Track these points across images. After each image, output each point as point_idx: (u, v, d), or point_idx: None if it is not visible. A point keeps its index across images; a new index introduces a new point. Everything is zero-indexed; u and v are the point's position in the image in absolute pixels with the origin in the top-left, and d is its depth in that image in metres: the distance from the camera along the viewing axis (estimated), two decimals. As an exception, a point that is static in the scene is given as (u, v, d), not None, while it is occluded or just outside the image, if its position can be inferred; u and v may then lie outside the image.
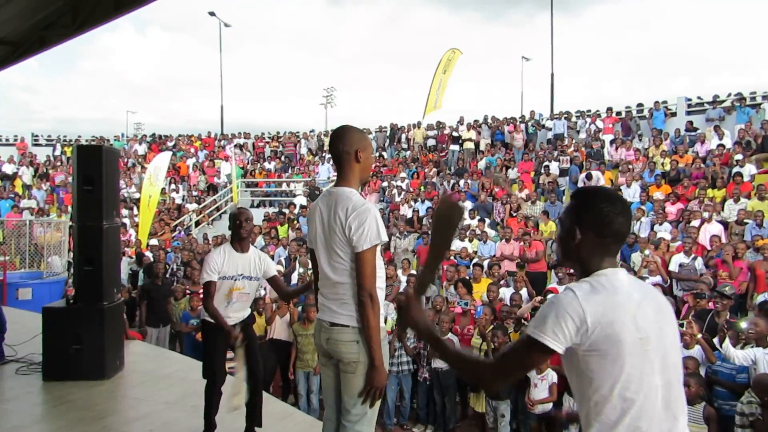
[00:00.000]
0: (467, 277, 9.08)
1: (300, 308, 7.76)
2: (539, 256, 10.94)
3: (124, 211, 17.48)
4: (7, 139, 25.34)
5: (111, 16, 6.05)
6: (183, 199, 18.76)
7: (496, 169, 16.40)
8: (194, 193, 18.97)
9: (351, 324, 2.72)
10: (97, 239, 5.49)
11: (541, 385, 5.80)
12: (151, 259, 10.58)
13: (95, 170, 5.48)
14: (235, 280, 4.18)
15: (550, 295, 6.60)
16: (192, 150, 22.38)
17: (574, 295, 1.64)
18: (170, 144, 23.46)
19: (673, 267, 8.85)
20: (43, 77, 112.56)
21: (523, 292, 7.82)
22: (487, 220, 13.99)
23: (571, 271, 7.34)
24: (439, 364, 6.76)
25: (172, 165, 20.49)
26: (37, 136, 25.81)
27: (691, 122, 15.78)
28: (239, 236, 4.21)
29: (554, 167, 15.20)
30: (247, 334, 4.33)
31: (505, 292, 8.27)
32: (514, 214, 13.63)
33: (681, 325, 5.31)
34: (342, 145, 2.80)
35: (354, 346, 2.70)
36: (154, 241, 13.15)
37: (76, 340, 5.43)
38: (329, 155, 20.40)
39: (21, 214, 17.26)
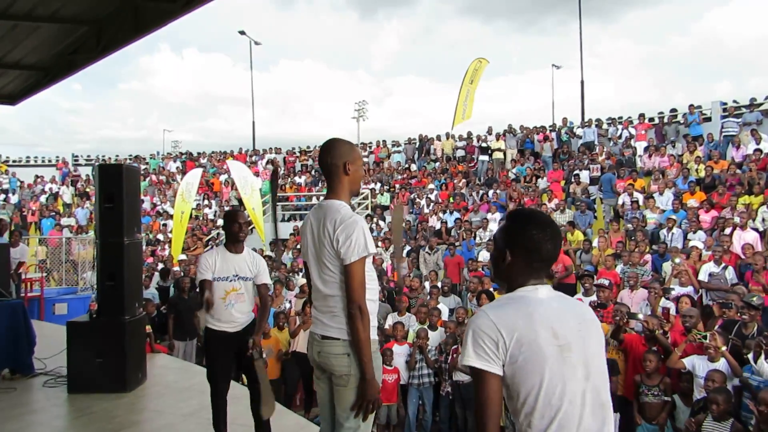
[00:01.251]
0: (491, 289, 9.00)
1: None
2: (570, 270, 10.73)
3: (160, 227, 17.96)
4: (49, 160, 26.30)
5: (131, 39, 6.24)
6: (215, 215, 19.11)
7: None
8: (226, 208, 19.29)
9: (342, 337, 2.72)
10: (118, 255, 5.64)
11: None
12: (182, 274, 10.79)
13: (116, 188, 5.64)
14: (231, 281, 4.23)
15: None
16: (225, 166, 22.79)
17: (484, 314, 1.71)
18: (203, 161, 23.96)
19: (703, 276, 8.58)
20: (87, 100, 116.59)
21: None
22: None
23: (601, 281, 7.23)
24: (460, 377, 6.69)
25: (205, 181, 20.92)
26: (77, 156, 26.73)
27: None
28: (236, 239, 4.25)
29: (584, 176, 14.96)
30: (246, 346, 4.30)
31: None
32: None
33: (704, 337, 5.15)
34: (330, 158, 2.82)
35: (345, 359, 2.70)
36: (183, 256, 13.41)
37: (98, 353, 5.57)
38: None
39: (62, 232, 17.87)
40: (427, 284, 10.55)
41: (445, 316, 8.20)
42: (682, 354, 5.33)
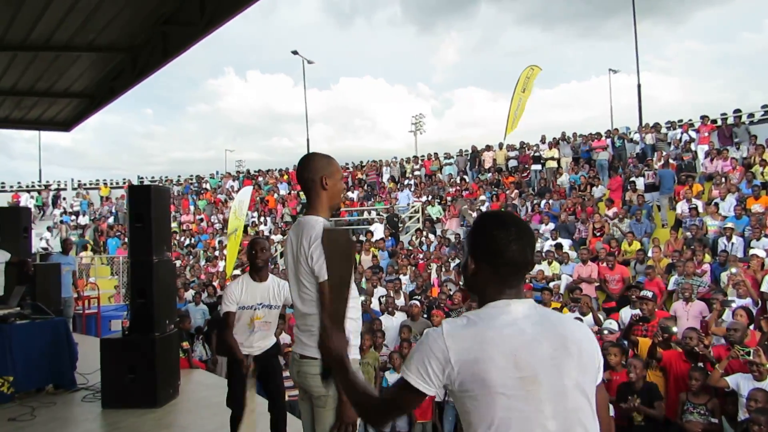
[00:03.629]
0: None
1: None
2: (627, 282, 10.26)
3: (216, 244, 18.46)
4: (117, 183, 27.64)
5: (162, 63, 6.47)
6: (270, 232, 19.48)
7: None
8: (280, 225, 19.64)
9: (319, 356, 2.65)
10: (147, 273, 5.79)
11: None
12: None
13: (144, 208, 5.80)
14: (255, 309, 4.24)
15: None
16: (278, 184, 23.29)
17: (440, 332, 1.52)
18: (260, 179, 24.54)
19: (766, 288, 8.00)
20: (159, 123, 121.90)
21: (588, 318, 7.33)
22: (570, 241, 13.44)
23: (644, 293, 6.86)
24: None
25: (260, 199, 21.40)
26: (142, 178, 27.97)
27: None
28: (256, 266, 4.28)
29: (640, 183, 14.34)
30: (271, 365, 4.37)
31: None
32: (598, 234, 12.98)
33: (748, 353, 4.76)
34: (307, 173, 2.77)
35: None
36: (237, 272, 13.71)
37: (130, 369, 5.72)
38: (409, 181, 20.65)
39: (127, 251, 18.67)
40: (473, 298, 10.35)
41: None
42: (725, 371, 4.95)
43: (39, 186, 28.37)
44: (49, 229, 22.84)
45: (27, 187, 28.42)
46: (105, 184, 27.89)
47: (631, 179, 14.64)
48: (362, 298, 9.76)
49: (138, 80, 7.08)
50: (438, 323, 7.95)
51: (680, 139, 15.81)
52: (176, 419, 5.57)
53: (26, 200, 25.28)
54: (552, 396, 1.45)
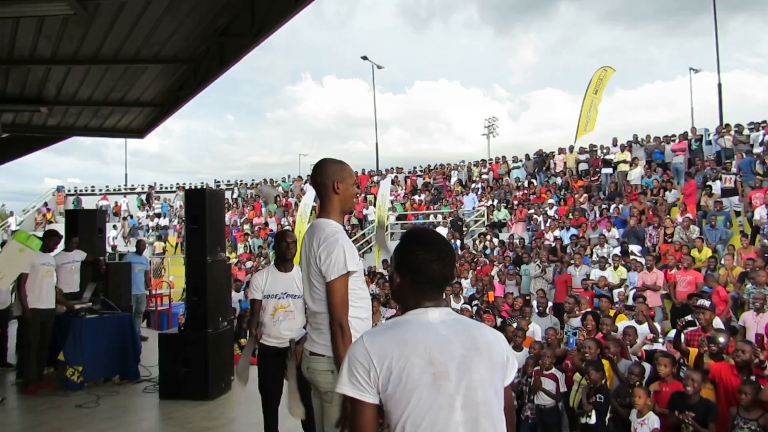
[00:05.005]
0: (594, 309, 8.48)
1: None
2: (699, 288, 9.79)
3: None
4: (195, 186, 28.93)
5: (218, 73, 6.80)
6: (337, 234, 19.83)
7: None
8: (345, 227, 19.95)
9: (326, 353, 2.76)
10: (201, 272, 6.11)
11: (641, 429, 5.20)
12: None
13: (199, 211, 6.12)
14: (279, 298, 4.42)
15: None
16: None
17: (361, 340, 1.67)
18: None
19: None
20: (239, 129, 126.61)
21: (644, 327, 7.06)
22: (639, 247, 12.95)
23: (701, 302, 6.56)
24: (541, 400, 6.37)
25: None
26: (219, 181, 29.18)
27: None
28: (284, 257, 4.45)
29: (717, 187, 13.61)
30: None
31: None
32: (669, 240, 12.44)
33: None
34: (320, 177, 2.89)
35: (329, 375, 2.73)
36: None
37: (185, 363, 6.05)
38: (476, 185, 20.48)
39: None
40: (535, 303, 10.20)
41: (539, 337, 7.86)
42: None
43: (125, 189, 30.20)
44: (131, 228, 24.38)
45: (114, 190, 30.31)
46: (184, 187, 29.29)
47: (708, 183, 13.92)
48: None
49: (199, 89, 7.46)
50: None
51: (762, 140, 14.87)
52: (225, 412, 5.84)
53: (125, 203, 27.36)
54: (461, 390, 1.59)
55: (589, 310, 8.33)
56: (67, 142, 12.48)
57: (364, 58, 27.08)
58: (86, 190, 30.40)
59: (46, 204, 28.33)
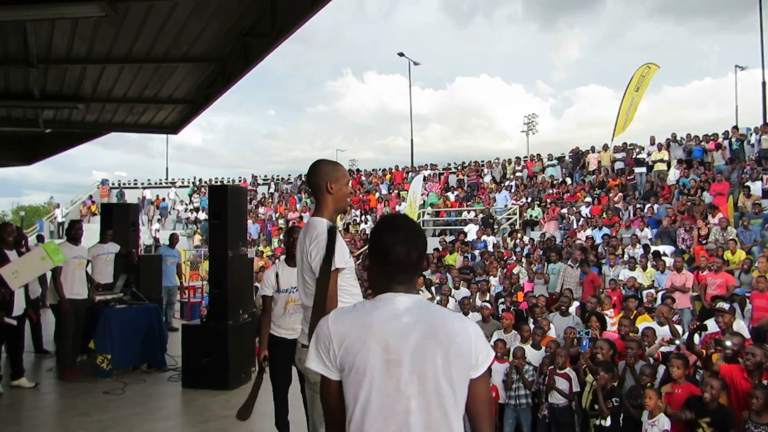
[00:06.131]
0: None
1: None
2: (731, 290, 9.58)
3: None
4: (233, 180, 29.55)
5: (243, 72, 6.99)
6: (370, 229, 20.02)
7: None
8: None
9: (313, 345, 2.87)
10: (223, 266, 6.30)
11: (652, 430, 5.15)
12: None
13: (221, 207, 6.31)
14: (290, 292, 4.55)
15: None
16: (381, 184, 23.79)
17: (326, 319, 1.73)
18: (364, 178, 25.20)
19: None
20: (280, 124, 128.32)
21: (665, 328, 6.95)
22: (672, 248, 12.69)
23: (721, 305, 6.43)
24: (554, 399, 6.35)
25: (360, 197, 22.02)
26: (256, 176, 29.69)
27: None
28: (292, 252, 4.58)
29: (756, 187, 13.21)
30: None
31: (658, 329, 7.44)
32: (704, 242, 12.15)
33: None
34: (314, 177, 3.00)
35: (317, 367, 2.84)
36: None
37: (206, 353, 6.26)
38: (510, 183, 20.33)
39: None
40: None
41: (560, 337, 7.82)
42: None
43: (166, 183, 31.03)
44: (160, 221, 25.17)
45: (155, 183, 31.18)
46: (222, 181, 29.93)
47: (746, 184, 13.52)
48: (438, 298, 9.85)
49: (226, 87, 7.67)
50: (507, 325, 7.92)
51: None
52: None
53: (173, 195, 28.25)
54: (414, 378, 1.61)
55: (594, 310, 8.21)
56: (113, 137, 13.03)
57: (401, 54, 27.14)
58: (129, 184, 31.36)
59: (91, 197, 29.31)
